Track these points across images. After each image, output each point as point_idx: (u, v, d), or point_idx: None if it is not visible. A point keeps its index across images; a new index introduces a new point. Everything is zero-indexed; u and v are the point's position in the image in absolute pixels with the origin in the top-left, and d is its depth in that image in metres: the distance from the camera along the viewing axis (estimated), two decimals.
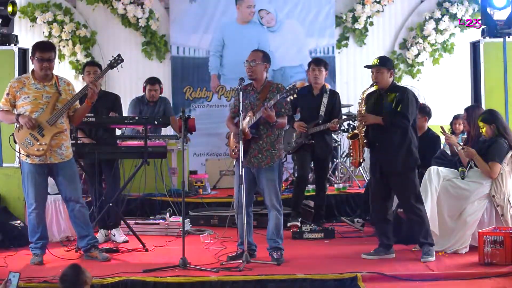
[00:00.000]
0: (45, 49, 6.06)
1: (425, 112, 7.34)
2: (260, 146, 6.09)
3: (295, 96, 5.94)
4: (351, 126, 6.23)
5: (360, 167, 9.39)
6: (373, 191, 6.36)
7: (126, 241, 7.03)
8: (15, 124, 6.05)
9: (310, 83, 7.94)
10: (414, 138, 6.13)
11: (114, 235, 7.13)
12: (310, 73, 7.69)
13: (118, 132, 8.40)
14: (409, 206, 6.10)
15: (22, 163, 6.09)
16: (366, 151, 6.34)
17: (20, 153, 6.03)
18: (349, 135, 6.30)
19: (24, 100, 6.00)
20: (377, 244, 6.28)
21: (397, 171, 6.08)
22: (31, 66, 7.71)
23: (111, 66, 6.26)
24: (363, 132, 6.17)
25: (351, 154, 6.31)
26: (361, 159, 6.24)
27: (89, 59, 10.00)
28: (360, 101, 6.23)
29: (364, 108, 6.17)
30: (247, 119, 6.04)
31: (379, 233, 6.33)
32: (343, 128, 9.30)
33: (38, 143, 5.94)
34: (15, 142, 6.08)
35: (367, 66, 6.42)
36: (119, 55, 6.30)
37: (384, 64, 6.18)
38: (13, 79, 6.22)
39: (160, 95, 8.85)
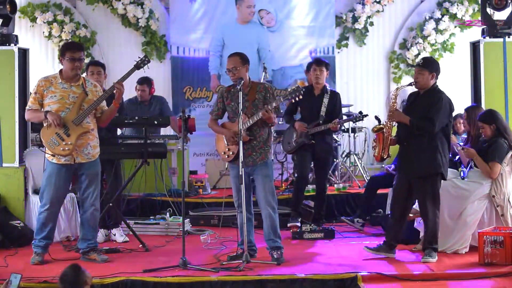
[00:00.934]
0: (76, 49, 6.09)
1: None
2: (253, 145, 6.09)
3: (300, 97, 5.95)
4: (378, 118, 6.33)
5: (360, 167, 9.43)
6: (395, 188, 6.34)
7: (127, 241, 7.03)
8: (43, 122, 6.06)
9: (310, 83, 7.94)
10: (443, 145, 6.04)
11: (115, 235, 7.13)
12: (312, 73, 7.68)
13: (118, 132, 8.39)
14: (425, 210, 6.07)
15: (47, 162, 6.09)
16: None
17: (46, 153, 6.05)
18: (375, 128, 6.24)
19: (50, 99, 6.02)
20: (382, 241, 6.28)
21: (418, 175, 6.06)
22: (32, 66, 7.78)
23: (138, 66, 6.25)
24: (388, 127, 6.14)
25: (374, 147, 6.28)
26: (385, 155, 6.17)
27: (89, 59, 9.99)
28: (393, 97, 6.21)
29: (395, 105, 6.15)
30: (240, 121, 5.98)
31: (388, 230, 6.32)
32: (343, 128, 9.32)
33: (63, 143, 5.95)
34: (41, 141, 6.10)
35: (411, 65, 6.43)
36: (145, 56, 6.31)
37: (426, 65, 6.14)
38: (41, 78, 6.21)
39: (154, 95, 8.79)
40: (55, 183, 6.04)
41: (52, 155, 6.01)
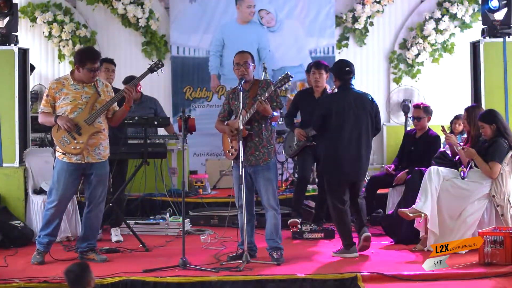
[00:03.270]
0: (96, 59, 6.08)
1: (428, 112, 7.37)
2: (256, 143, 6.09)
3: (289, 83, 5.98)
4: None
5: None
6: None
7: (119, 241, 7.04)
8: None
9: (310, 84, 7.93)
10: (328, 143, 6.30)
11: (111, 234, 7.13)
12: (311, 77, 7.66)
13: None
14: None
15: (57, 160, 6.11)
16: None
17: (56, 151, 6.08)
18: None
19: (63, 101, 6.03)
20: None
21: None
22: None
23: (151, 70, 6.33)
24: None
25: None
26: None
27: None
28: None
29: None
30: (241, 118, 6.01)
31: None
32: None
33: (75, 142, 5.97)
34: (53, 140, 6.12)
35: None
36: (159, 60, 6.42)
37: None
38: (52, 81, 6.24)
39: (147, 95, 8.71)
40: (64, 181, 6.05)
41: (63, 154, 6.02)
